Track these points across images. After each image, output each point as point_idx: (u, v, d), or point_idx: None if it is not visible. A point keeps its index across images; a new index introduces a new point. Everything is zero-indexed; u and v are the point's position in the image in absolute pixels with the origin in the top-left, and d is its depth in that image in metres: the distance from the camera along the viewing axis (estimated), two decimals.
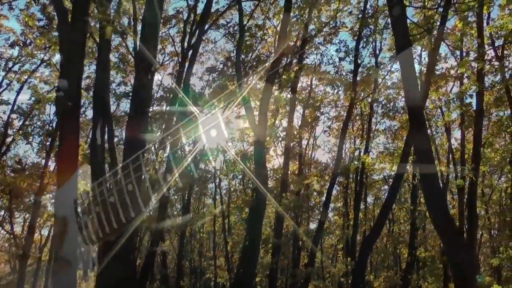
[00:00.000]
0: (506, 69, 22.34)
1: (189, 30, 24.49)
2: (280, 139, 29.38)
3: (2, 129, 29.05)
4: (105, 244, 10.47)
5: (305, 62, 27.49)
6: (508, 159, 26.80)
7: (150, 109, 22.08)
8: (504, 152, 26.86)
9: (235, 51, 23.59)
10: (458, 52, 24.65)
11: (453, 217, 22.67)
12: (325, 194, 28.53)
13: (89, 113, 28.74)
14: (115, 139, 25.00)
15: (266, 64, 22.69)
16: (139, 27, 20.98)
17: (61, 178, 8.62)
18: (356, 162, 28.97)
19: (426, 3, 20.11)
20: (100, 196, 7.45)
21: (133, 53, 24.29)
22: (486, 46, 20.48)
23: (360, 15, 24.90)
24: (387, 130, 33.44)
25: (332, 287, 34.98)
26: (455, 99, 24.59)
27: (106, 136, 14.86)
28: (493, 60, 22.23)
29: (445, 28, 16.49)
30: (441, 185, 20.45)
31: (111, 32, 10.16)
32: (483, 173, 29.36)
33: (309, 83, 30.96)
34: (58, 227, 8.34)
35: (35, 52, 27.34)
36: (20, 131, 30.17)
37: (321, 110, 30.65)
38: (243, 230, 34.28)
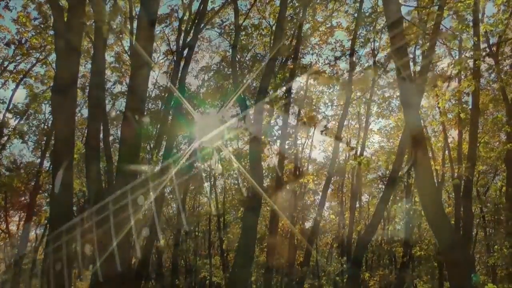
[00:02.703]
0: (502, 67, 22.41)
1: (184, 29, 24.44)
2: (275, 138, 29.33)
3: None
4: (100, 244, 10.42)
5: (300, 62, 27.45)
6: (503, 158, 26.84)
7: (146, 108, 22.02)
8: (499, 152, 26.88)
9: (230, 50, 23.53)
10: (454, 52, 24.67)
11: (449, 215, 22.70)
12: (320, 193, 28.52)
13: (84, 112, 28.71)
14: (111, 138, 24.99)
15: (262, 64, 22.68)
16: (134, 26, 20.94)
17: None
18: (351, 162, 28.97)
19: (420, 2, 20.08)
20: None
21: (128, 52, 24.26)
22: (481, 44, 20.49)
23: (356, 14, 24.82)
24: (383, 129, 33.54)
25: (327, 286, 35.01)
26: (450, 99, 24.58)
27: (101, 135, 14.82)
28: (488, 57, 22.23)
29: (441, 27, 16.46)
30: (436, 183, 20.47)
31: (107, 32, 10.11)
32: (478, 172, 29.41)
33: (305, 82, 30.92)
34: None
35: (31, 51, 27.26)
36: (16, 130, 30.07)
37: (318, 110, 30.63)
38: (238, 229, 34.25)
